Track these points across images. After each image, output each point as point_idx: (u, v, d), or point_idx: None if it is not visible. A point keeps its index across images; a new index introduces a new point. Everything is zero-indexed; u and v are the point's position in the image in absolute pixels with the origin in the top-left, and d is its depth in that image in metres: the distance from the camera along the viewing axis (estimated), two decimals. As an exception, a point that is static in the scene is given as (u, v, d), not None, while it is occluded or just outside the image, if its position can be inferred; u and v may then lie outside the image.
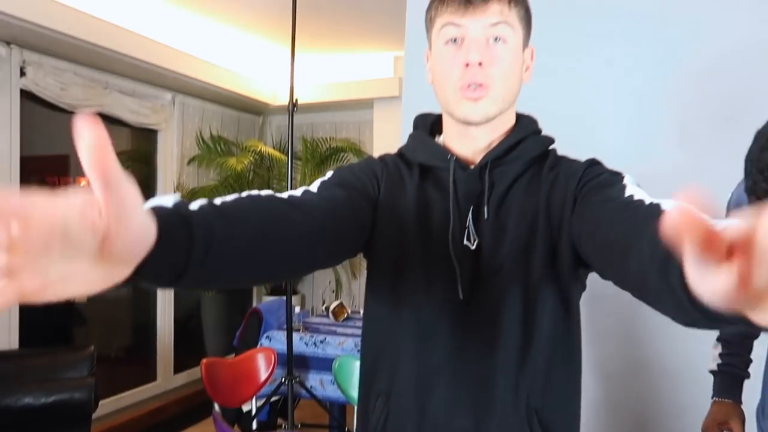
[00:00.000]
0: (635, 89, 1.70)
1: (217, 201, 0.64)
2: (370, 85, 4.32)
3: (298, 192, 0.84)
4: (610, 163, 0.91)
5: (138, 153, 4.16)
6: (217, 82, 4.03)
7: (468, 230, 0.91)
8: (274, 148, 4.71)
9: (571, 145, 1.00)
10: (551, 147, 0.98)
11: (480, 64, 0.86)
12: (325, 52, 4.26)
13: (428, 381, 0.91)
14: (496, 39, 0.87)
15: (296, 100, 2.13)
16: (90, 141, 0.37)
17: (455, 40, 0.89)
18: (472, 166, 0.93)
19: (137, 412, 3.71)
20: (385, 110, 4.33)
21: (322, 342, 2.75)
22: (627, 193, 0.77)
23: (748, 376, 1.37)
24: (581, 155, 0.95)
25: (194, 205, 0.59)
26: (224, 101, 4.49)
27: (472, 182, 0.92)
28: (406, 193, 0.95)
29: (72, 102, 3.29)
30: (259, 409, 2.45)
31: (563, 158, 0.97)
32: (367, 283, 0.99)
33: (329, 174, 0.93)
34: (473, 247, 0.90)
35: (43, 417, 2.27)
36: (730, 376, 1.37)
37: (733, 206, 1.28)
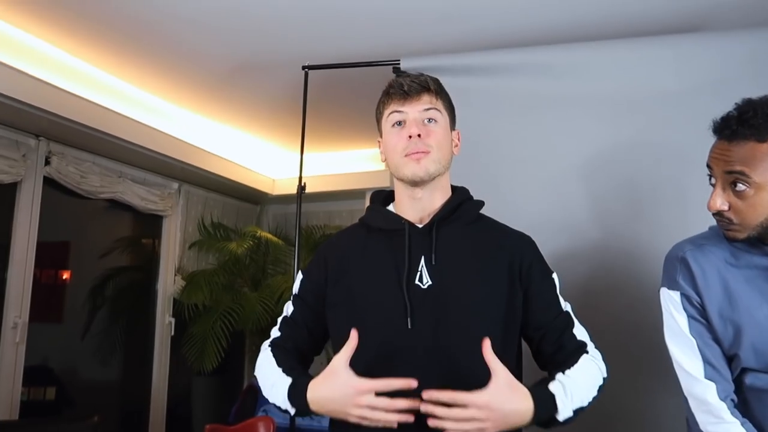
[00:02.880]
0: (556, 174, 2.07)
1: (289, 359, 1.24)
2: (363, 177, 4.66)
3: (281, 332, 1.31)
4: (542, 236, 1.31)
5: (143, 237, 4.39)
6: (221, 172, 4.34)
7: (421, 273, 1.17)
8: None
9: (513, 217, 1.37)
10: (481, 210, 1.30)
11: (419, 135, 1.17)
12: (322, 149, 4.64)
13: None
14: (429, 120, 1.20)
15: (304, 183, 2.40)
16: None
17: (400, 123, 1.21)
18: (421, 225, 1.22)
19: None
20: (376, 200, 4.62)
21: (317, 415, 2.88)
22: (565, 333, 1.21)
23: None
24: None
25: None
26: (226, 190, 4.79)
27: (423, 237, 1.21)
28: (367, 253, 1.24)
29: (89, 189, 3.56)
30: (258, 478, 2.53)
31: (495, 222, 1.30)
32: (333, 342, 1.27)
33: (291, 307, 1.33)
34: (425, 287, 1.16)
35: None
36: None
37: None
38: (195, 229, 4.55)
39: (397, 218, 1.24)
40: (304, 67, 2.52)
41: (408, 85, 1.20)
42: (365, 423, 1.04)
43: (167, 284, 4.31)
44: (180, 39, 2.82)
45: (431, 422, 1.01)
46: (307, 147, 2.54)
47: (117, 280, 4.14)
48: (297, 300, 1.32)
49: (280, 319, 1.33)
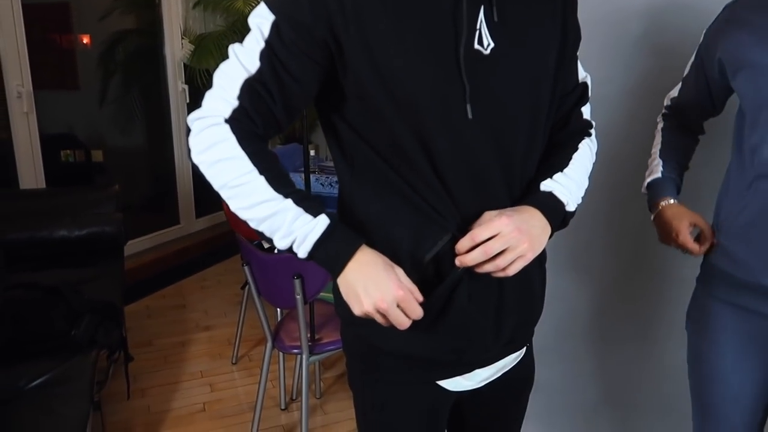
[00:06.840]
0: None
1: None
2: None
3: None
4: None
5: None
6: None
7: (480, 32, 0.82)
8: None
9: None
10: None
11: None
12: None
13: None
14: None
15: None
16: None
17: None
18: None
19: (163, 253, 3.93)
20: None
21: (336, 183, 2.88)
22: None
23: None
24: None
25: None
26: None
27: None
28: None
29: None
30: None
31: None
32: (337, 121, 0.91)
33: (256, 61, 0.82)
34: (487, 52, 0.82)
35: (78, 249, 2.43)
36: (673, 181, 1.31)
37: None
38: (197, -14, 4.11)
39: None
40: None
41: None
42: (378, 319, 0.82)
43: (175, 48, 4.04)
44: None
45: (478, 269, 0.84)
46: None
47: (124, 45, 3.93)
48: (270, 51, 0.81)
49: (239, 81, 0.82)
